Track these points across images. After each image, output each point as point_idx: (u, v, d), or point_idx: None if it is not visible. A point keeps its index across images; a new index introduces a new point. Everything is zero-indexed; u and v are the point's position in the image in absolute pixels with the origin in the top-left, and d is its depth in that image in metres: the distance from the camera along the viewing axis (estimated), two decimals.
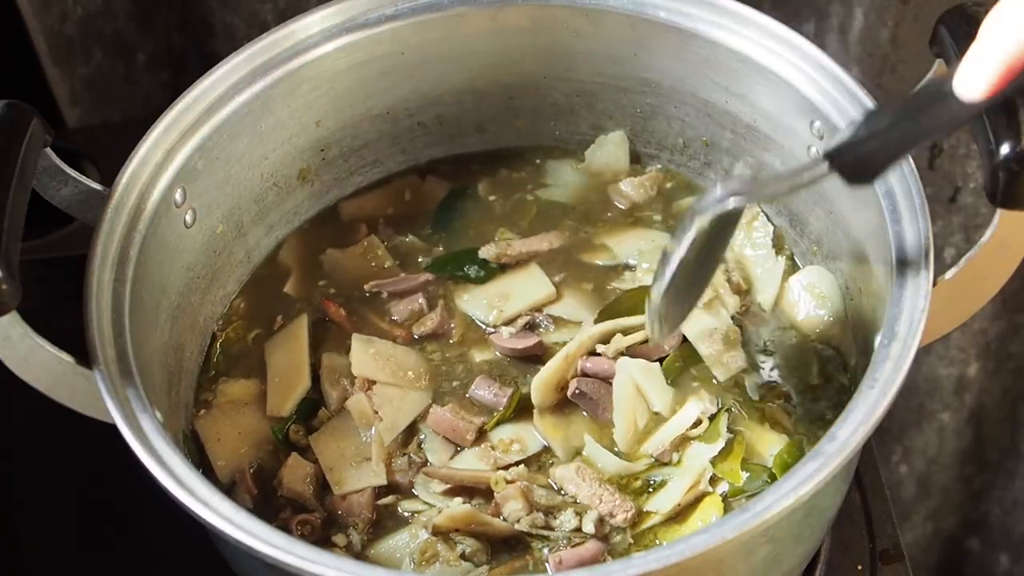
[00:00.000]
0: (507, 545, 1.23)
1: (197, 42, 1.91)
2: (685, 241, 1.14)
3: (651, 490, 1.26)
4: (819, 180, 1.12)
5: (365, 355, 1.36)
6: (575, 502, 1.24)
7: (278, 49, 1.37)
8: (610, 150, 1.52)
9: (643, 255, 1.43)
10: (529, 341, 1.36)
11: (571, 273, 1.44)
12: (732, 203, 1.13)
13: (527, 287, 1.42)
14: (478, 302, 1.41)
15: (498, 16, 1.42)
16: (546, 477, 1.27)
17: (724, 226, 1.19)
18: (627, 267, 1.44)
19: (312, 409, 1.34)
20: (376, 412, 1.31)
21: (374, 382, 1.33)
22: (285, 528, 1.24)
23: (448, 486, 1.26)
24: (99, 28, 1.87)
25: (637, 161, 1.53)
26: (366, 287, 1.43)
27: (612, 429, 1.30)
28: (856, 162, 1.11)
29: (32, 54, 1.83)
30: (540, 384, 1.31)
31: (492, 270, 1.44)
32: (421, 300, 1.41)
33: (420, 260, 1.46)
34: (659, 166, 1.52)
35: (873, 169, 1.12)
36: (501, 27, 1.43)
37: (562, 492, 1.26)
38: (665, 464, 1.27)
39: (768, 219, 1.43)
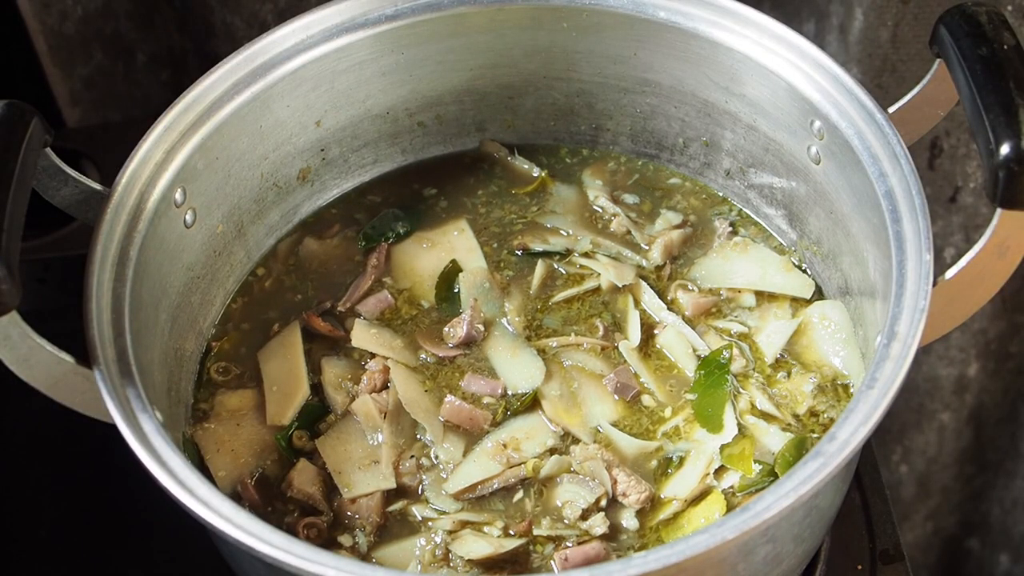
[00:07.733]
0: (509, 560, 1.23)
1: (197, 42, 1.91)
2: None
3: (670, 471, 1.27)
4: None
5: (366, 334, 1.37)
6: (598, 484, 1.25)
7: (278, 49, 1.37)
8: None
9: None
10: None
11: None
12: None
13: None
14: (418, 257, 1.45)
15: (498, 16, 1.42)
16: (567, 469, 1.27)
17: None
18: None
19: (314, 415, 1.34)
20: (384, 414, 1.31)
21: (387, 380, 1.33)
22: (291, 531, 1.24)
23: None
24: (99, 28, 1.87)
25: None
26: (339, 308, 1.42)
27: (628, 405, 1.31)
28: None
29: (32, 54, 1.83)
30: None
31: (416, 216, 1.48)
32: (387, 295, 1.41)
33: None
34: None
35: None
36: (501, 27, 1.43)
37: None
38: (680, 439, 1.28)
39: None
